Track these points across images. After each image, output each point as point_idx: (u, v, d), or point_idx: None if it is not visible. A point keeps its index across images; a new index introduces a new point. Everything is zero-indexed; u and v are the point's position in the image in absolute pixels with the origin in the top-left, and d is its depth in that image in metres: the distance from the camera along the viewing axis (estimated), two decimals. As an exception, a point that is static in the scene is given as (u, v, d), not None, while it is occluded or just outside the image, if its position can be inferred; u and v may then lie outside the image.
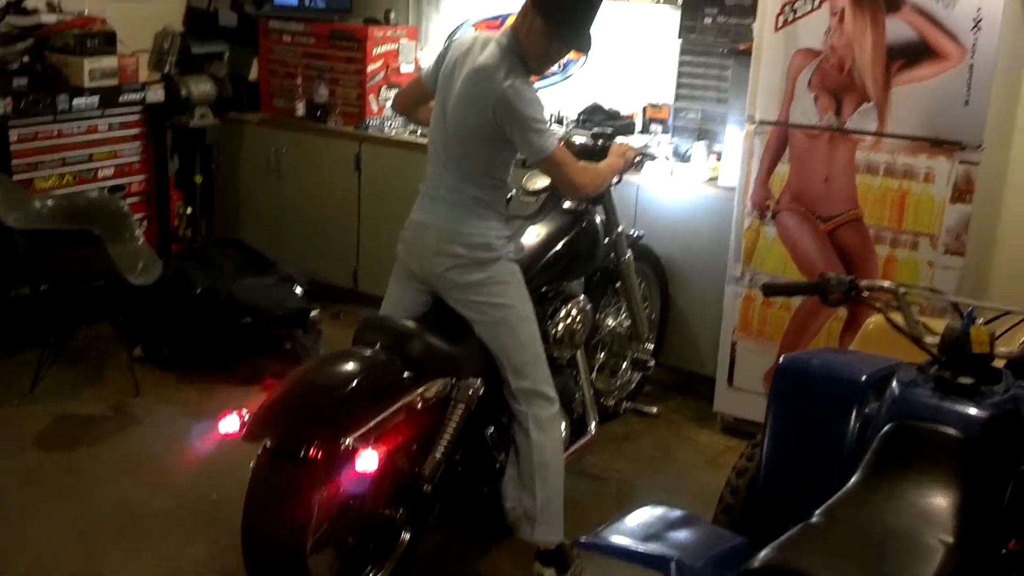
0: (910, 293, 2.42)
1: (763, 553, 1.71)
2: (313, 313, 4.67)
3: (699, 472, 3.89)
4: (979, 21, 3.54)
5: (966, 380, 2.19)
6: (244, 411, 2.77)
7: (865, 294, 2.40)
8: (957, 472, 2.00)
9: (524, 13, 3.08)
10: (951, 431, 2.08)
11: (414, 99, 3.46)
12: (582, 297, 3.67)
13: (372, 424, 2.77)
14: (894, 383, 2.23)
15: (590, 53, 3.24)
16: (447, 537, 3.40)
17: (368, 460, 2.68)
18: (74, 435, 4.05)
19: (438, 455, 2.93)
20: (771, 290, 2.54)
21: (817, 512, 1.93)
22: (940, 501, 1.94)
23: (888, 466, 2.06)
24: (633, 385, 4.39)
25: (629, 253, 4.00)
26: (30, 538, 3.35)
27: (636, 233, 4.21)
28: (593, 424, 3.70)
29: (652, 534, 1.84)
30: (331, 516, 2.87)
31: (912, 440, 2.09)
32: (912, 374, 2.27)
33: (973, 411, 2.12)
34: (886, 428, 2.13)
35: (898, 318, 2.43)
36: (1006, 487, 2.16)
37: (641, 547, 1.77)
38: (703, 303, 4.42)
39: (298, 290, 4.77)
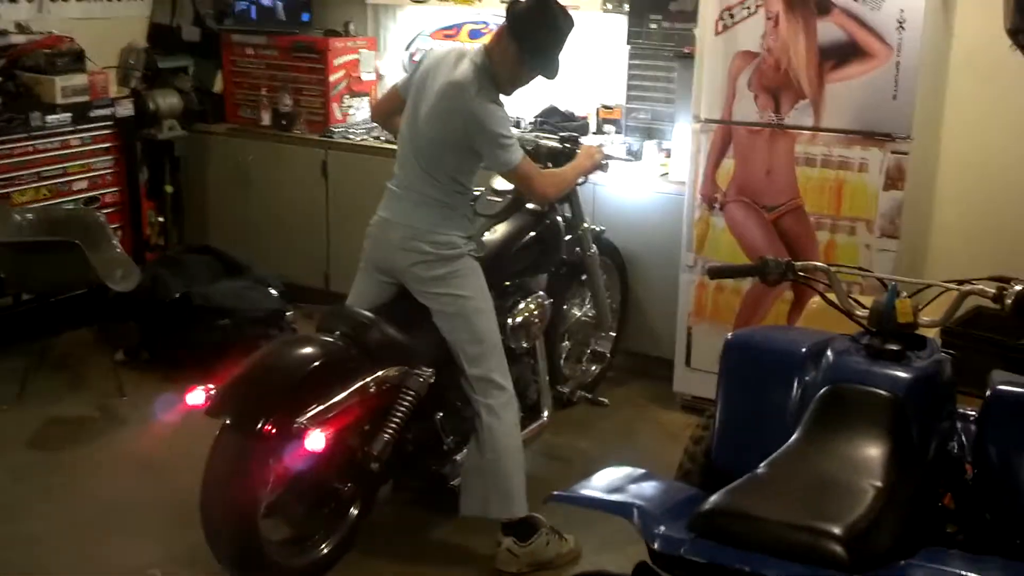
0: (840, 272, 2.68)
1: (712, 498, 1.97)
2: (288, 313, 4.88)
3: (661, 447, 4.13)
4: (903, 22, 3.83)
5: (893, 346, 2.45)
6: (210, 386, 3.00)
7: (801, 274, 2.65)
8: (885, 427, 2.26)
9: (499, 37, 3.34)
10: (879, 391, 2.34)
11: (391, 109, 3.66)
12: (541, 293, 3.91)
13: (326, 405, 3.01)
14: (829, 352, 2.50)
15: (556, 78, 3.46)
16: (400, 511, 3.66)
17: (316, 440, 2.92)
18: (63, 436, 4.23)
19: (386, 436, 3.15)
20: (715, 273, 2.79)
21: (761, 465, 2.19)
22: (870, 452, 2.20)
23: (824, 423, 2.32)
24: (592, 376, 4.64)
25: (594, 248, 4.24)
26: (26, 533, 3.53)
27: (599, 229, 4.45)
28: (546, 412, 3.94)
29: (616, 488, 2.09)
30: (284, 487, 3.11)
31: (845, 400, 2.35)
32: (845, 344, 2.53)
33: (898, 373, 2.38)
34: (822, 391, 2.39)
35: (833, 296, 2.70)
36: (930, 443, 2.43)
37: (608, 497, 2.02)
38: (660, 291, 4.67)
39: (273, 291, 4.97)
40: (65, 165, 5.15)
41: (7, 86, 4.92)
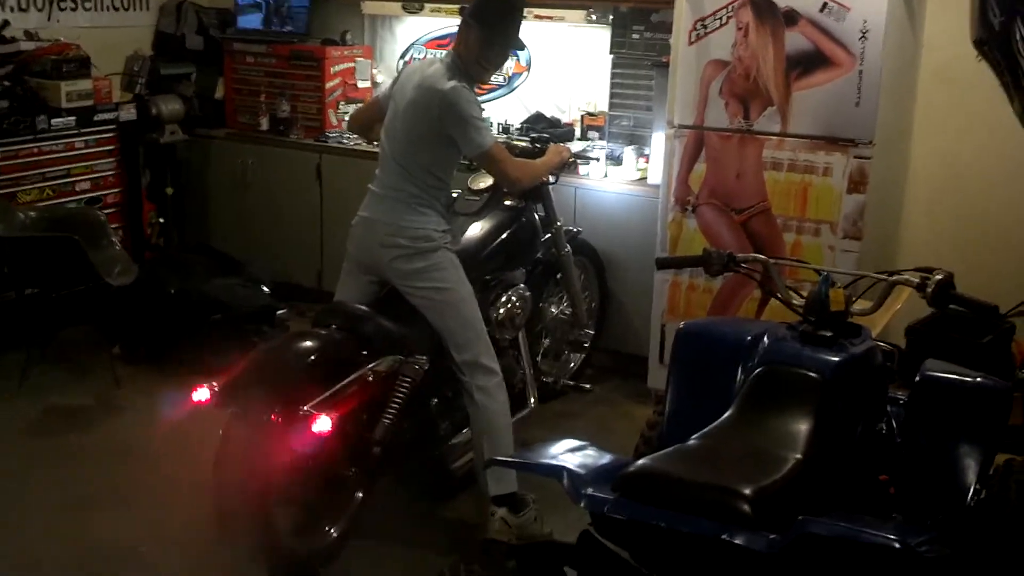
0: (778, 263, 2.85)
1: (638, 462, 2.13)
2: (280, 311, 5.05)
3: (633, 440, 4.26)
4: (866, 32, 3.99)
5: (825, 332, 2.61)
6: (214, 383, 3.16)
7: (743, 265, 2.82)
8: (810, 405, 2.42)
9: (460, 30, 3.56)
10: (807, 372, 2.50)
11: (370, 118, 3.87)
12: (521, 285, 4.08)
13: (328, 393, 3.17)
14: (766, 337, 2.66)
15: (523, 53, 3.68)
16: (400, 496, 3.79)
17: (322, 423, 3.07)
18: (62, 424, 4.42)
19: (386, 422, 3.32)
20: (662, 263, 2.96)
21: (693, 437, 2.35)
22: (793, 427, 2.37)
23: (756, 401, 2.48)
24: (573, 366, 4.81)
25: (568, 247, 4.41)
26: (28, 511, 3.72)
27: (575, 229, 4.62)
28: (532, 399, 4.11)
29: (554, 455, 2.25)
30: (292, 474, 3.26)
31: (775, 380, 2.51)
32: (783, 330, 2.70)
33: (827, 357, 2.54)
34: (756, 371, 2.56)
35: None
36: (857, 422, 2.58)
37: (542, 461, 2.18)
38: (637, 291, 4.84)
39: (265, 289, 5.15)
40: (69, 167, 5.35)
41: (15, 91, 5.11)
